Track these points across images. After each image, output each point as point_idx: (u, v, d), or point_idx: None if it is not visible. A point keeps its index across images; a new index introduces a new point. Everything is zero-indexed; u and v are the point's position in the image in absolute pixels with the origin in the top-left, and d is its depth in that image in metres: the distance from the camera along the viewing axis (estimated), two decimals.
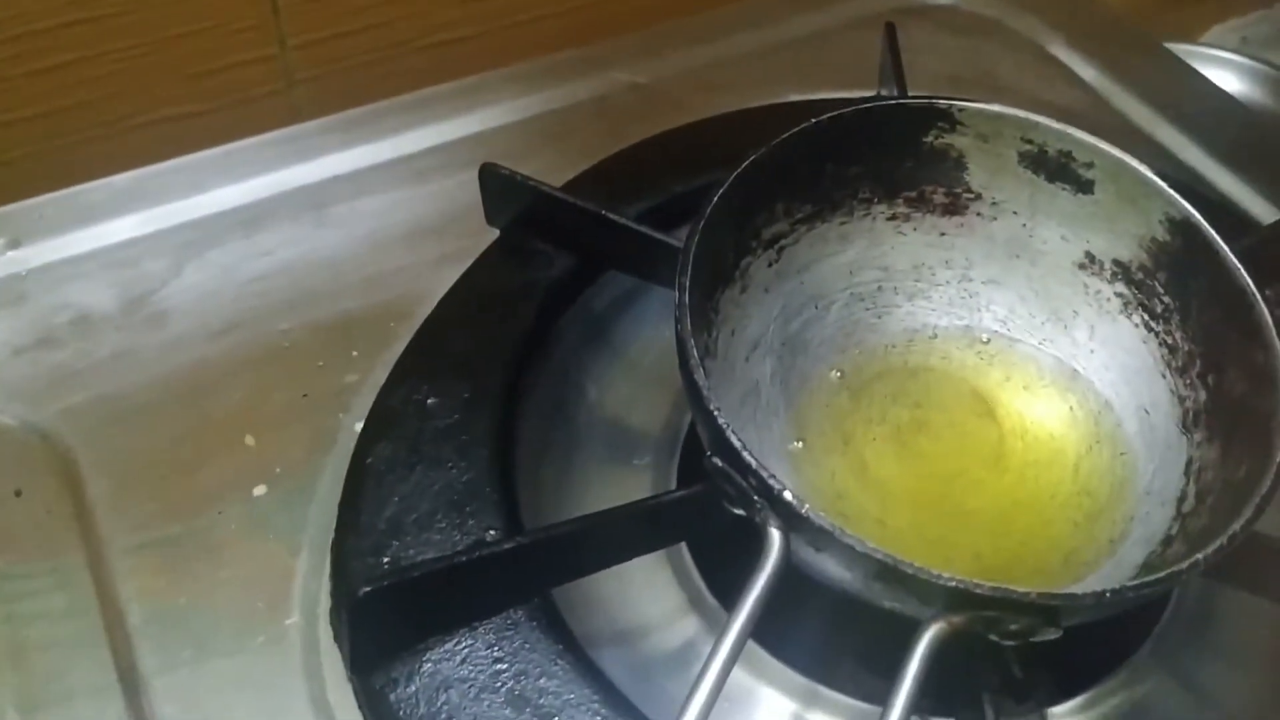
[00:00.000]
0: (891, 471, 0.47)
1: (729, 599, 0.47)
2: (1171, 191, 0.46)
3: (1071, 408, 0.49)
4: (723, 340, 0.47)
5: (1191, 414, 0.46)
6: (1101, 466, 0.47)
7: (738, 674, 0.45)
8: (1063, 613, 0.38)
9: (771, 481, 0.38)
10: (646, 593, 0.49)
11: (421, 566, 0.42)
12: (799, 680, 0.47)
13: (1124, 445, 0.47)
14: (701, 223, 0.43)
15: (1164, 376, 0.47)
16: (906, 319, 0.51)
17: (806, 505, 0.38)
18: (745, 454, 0.39)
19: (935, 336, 0.51)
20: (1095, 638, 0.47)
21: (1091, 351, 0.50)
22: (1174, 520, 0.44)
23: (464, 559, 0.42)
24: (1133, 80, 0.69)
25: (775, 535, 0.39)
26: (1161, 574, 0.38)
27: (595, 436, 0.54)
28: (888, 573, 0.38)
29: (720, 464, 0.40)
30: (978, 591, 0.37)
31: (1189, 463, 0.45)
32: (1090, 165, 0.48)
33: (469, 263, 0.57)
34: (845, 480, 0.47)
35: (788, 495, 0.38)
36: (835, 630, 0.47)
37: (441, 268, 0.57)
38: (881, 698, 0.45)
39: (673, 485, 0.52)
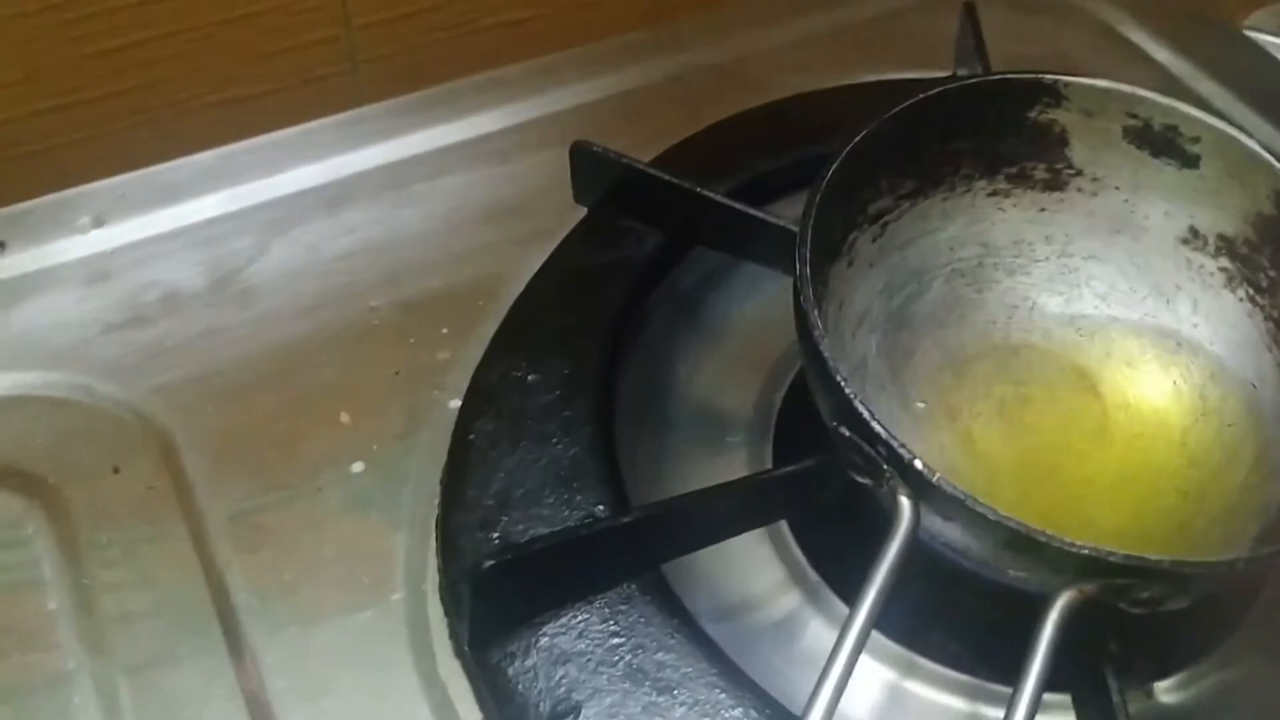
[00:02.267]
0: (998, 446, 0.47)
1: (830, 572, 0.48)
2: (1279, 165, 0.46)
3: (1175, 382, 0.49)
4: (831, 314, 0.46)
5: None
6: (1209, 439, 0.47)
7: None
8: (1197, 580, 0.38)
9: (901, 450, 0.38)
10: (749, 568, 0.48)
11: (542, 540, 0.41)
12: (896, 650, 0.47)
13: (1231, 417, 0.47)
14: (817, 197, 0.43)
15: (1270, 350, 0.47)
16: (1007, 294, 0.51)
17: (938, 474, 0.38)
18: (874, 423, 0.39)
19: (1035, 312, 0.51)
20: (1190, 622, 0.48)
21: (1195, 326, 0.49)
22: None
23: (584, 532, 0.42)
24: (1206, 61, 0.69)
25: (905, 504, 0.39)
26: None
27: (688, 414, 0.53)
28: (1019, 541, 0.38)
29: (847, 433, 0.40)
30: (1111, 560, 0.37)
31: None
32: (1197, 140, 0.48)
33: (552, 241, 0.56)
34: (953, 455, 0.47)
35: (919, 464, 0.38)
36: (936, 603, 0.47)
37: (524, 246, 0.57)
38: (979, 669, 0.45)
39: (767, 461, 0.52)
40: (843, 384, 0.39)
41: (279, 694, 0.44)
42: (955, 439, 0.47)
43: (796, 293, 0.41)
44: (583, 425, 0.48)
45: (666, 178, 0.52)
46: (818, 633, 0.47)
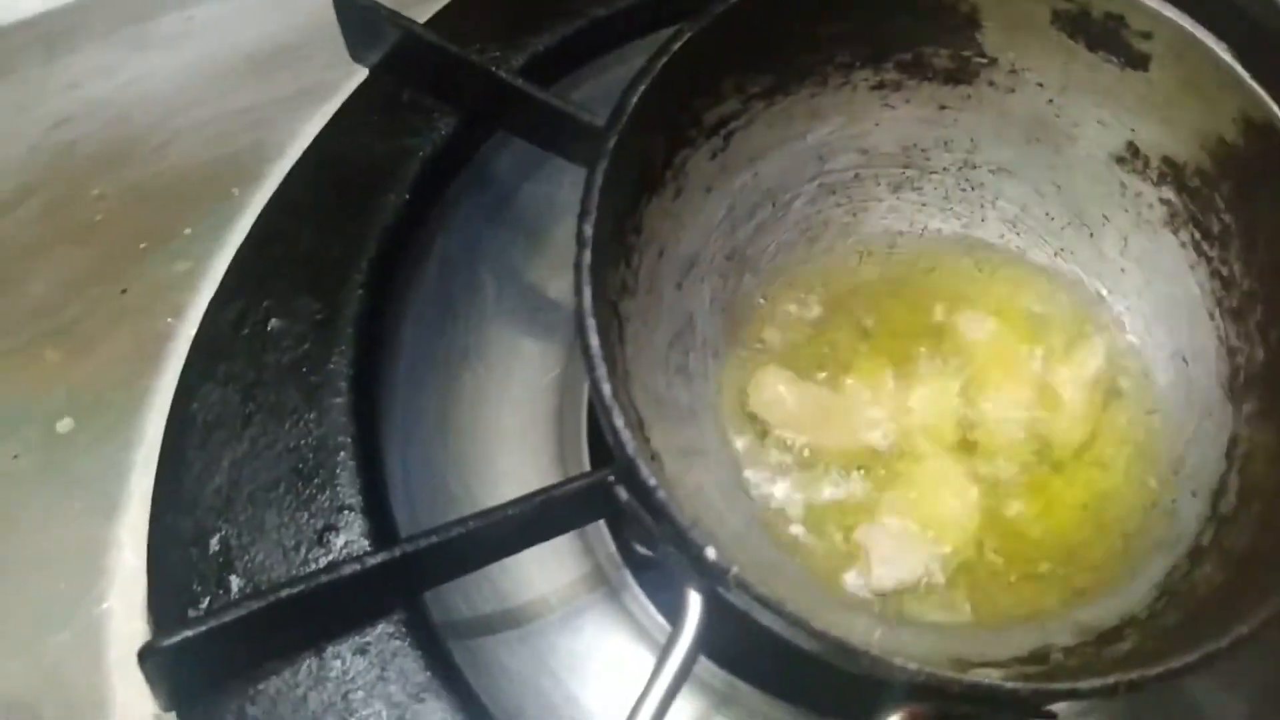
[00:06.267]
0: (865, 431, 0.37)
1: (645, 572, 0.39)
2: (1254, 84, 0.34)
3: (1090, 342, 0.39)
4: (646, 267, 0.36)
5: (1243, 374, 0.36)
6: (1120, 427, 0.38)
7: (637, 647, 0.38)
8: (1055, 699, 0.30)
9: (691, 535, 0.29)
10: (546, 562, 0.39)
11: (241, 605, 0.32)
12: (714, 671, 0.38)
13: (1153, 400, 0.38)
14: (612, 139, 0.31)
15: (1212, 317, 0.37)
16: (889, 217, 0.40)
17: (735, 568, 0.29)
18: (659, 494, 0.29)
19: (924, 240, 0.40)
20: None
21: (1122, 271, 0.39)
22: (1207, 522, 0.35)
23: (298, 589, 0.32)
24: None
25: (694, 601, 0.30)
26: (1193, 656, 0.29)
27: (493, 345, 0.43)
28: (842, 654, 0.29)
29: (627, 497, 0.30)
30: (953, 689, 0.28)
31: (1233, 441, 0.35)
32: (1148, 35, 0.36)
33: (335, 101, 0.45)
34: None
35: (710, 554, 0.29)
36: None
37: (300, 107, 0.45)
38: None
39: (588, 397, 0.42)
40: (626, 441, 0.29)
41: None
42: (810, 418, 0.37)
43: (579, 322, 0.30)
44: (333, 394, 0.38)
45: (452, 49, 0.39)
46: (621, 650, 0.39)
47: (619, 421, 0.29)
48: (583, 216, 0.31)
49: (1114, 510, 0.36)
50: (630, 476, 0.29)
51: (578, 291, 0.30)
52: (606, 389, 0.29)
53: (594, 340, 0.30)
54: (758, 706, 0.38)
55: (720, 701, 0.38)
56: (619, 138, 0.31)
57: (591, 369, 0.30)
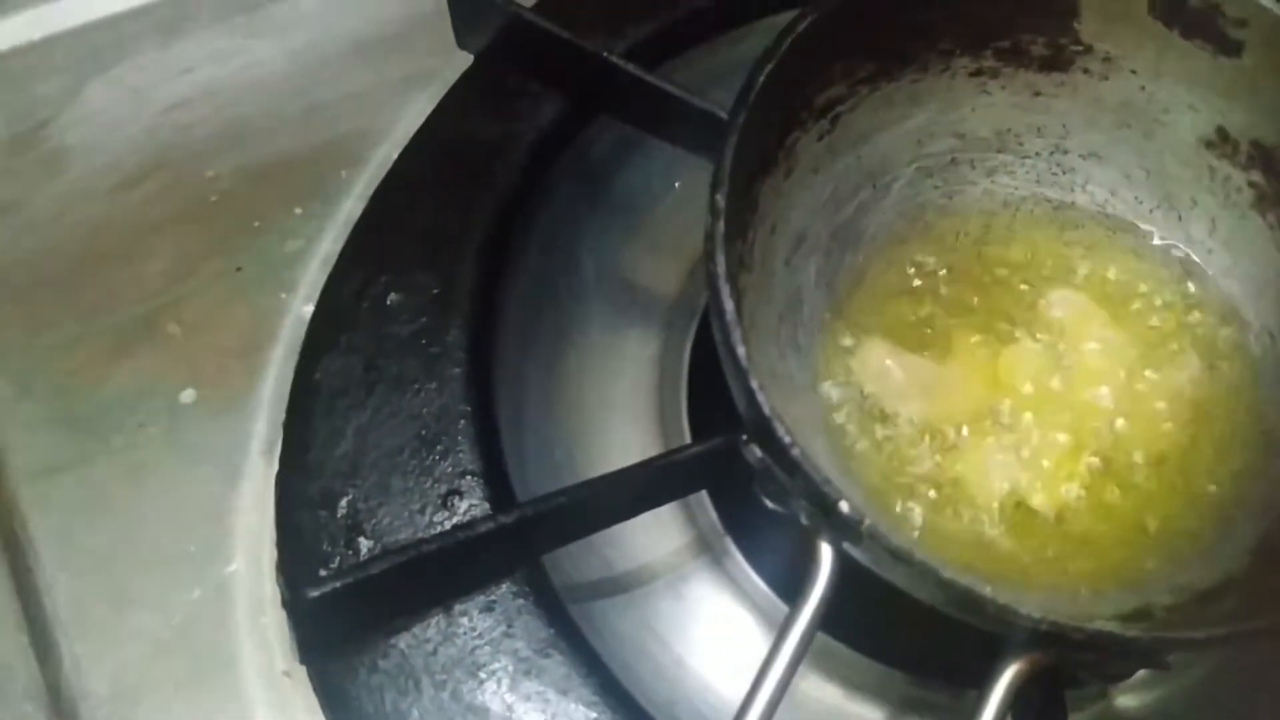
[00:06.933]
0: (964, 401, 0.39)
1: (746, 539, 0.40)
2: None
3: (1179, 322, 0.40)
4: (760, 243, 0.37)
5: None
6: (1211, 401, 0.39)
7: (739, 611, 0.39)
8: (1174, 647, 0.31)
9: (826, 489, 0.30)
10: (650, 532, 0.41)
11: (383, 559, 0.34)
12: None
13: (1241, 376, 0.39)
14: (738, 123, 0.33)
15: None
16: (984, 199, 0.42)
17: (868, 520, 0.30)
18: (794, 450, 0.30)
19: (1017, 221, 0.42)
20: None
21: (1210, 252, 0.40)
22: None
23: (434, 546, 0.34)
24: None
25: (826, 552, 0.31)
26: None
27: (593, 322, 0.45)
28: (969, 603, 0.30)
29: (760, 454, 0.31)
30: (1076, 637, 0.30)
31: None
32: (1243, 23, 0.37)
33: (437, 87, 0.46)
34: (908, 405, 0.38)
35: (844, 506, 0.30)
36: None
37: (404, 93, 0.47)
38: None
39: (683, 385, 0.44)
40: (760, 400, 0.31)
41: (88, 698, 0.37)
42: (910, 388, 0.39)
43: (712, 286, 0.32)
44: (452, 365, 0.40)
45: (563, 35, 0.41)
46: (724, 615, 0.40)
47: (754, 382, 0.31)
48: (715, 187, 0.32)
49: (1207, 478, 0.38)
50: (765, 435, 0.31)
51: (710, 258, 0.32)
52: (741, 351, 0.31)
53: (728, 305, 0.31)
54: (849, 661, 0.40)
55: (812, 659, 0.39)
56: (748, 114, 0.33)
57: (725, 332, 0.31)
